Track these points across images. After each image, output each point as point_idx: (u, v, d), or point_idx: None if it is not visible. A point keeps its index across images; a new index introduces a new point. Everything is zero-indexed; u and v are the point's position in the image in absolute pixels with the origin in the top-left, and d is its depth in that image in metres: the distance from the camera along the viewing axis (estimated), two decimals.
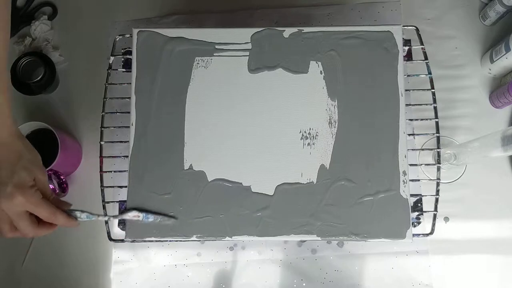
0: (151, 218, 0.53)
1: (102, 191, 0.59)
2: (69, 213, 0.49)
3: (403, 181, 0.54)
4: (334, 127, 0.55)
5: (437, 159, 0.59)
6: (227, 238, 0.54)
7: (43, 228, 0.48)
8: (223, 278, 0.68)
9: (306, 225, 0.54)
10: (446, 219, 0.68)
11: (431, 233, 0.58)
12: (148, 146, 0.55)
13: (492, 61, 0.69)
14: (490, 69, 0.71)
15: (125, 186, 0.55)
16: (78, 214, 0.50)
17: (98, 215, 0.51)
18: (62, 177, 0.67)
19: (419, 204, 0.66)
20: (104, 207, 0.58)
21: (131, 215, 0.53)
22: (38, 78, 0.69)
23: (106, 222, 0.56)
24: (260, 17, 0.76)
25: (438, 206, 0.58)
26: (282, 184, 0.54)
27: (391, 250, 0.67)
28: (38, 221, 0.48)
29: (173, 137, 0.56)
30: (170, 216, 0.54)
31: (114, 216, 0.53)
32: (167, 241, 0.55)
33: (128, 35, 0.60)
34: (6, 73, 0.48)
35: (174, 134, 0.56)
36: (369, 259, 0.67)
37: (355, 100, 0.56)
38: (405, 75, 0.57)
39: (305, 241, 0.68)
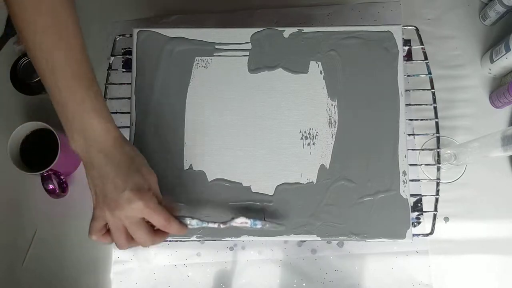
0: (259, 224, 0.51)
1: None
2: (180, 219, 0.46)
3: (403, 181, 0.54)
4: (334, 127, 0.55)
5: (437, 159, 0.59)
6: (227, 238, 0.54)
7: (158, 237, 0.45)
8: (223, 278, 0.68)
9: (306, 225, 0.54)
10: (446, 219, 0.68)
11: (431, 233, 0.58)
12: (148, 146, 0.55)
13: (492, 61, 0.69)
14: (490, 69, 0.71)
15: None
16: (188, 220, 0.47)
17: (208, 222, 0.48)
18: (62, 177, 0.67)
19: (419, 204, 0.66)
20: None
21: (238, 222, 0.50)
22: (38, 78, 0.69)
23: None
24: (260, 17, 0.76)
25: (438, 206, 0.58)
26: (282, 184, 0.54)
27: (391, 250, 0.67)
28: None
29: (173, 137, 0.56)
30: (279, 224, 0.52)
31: (223, 223, 0.49)
32: (167, 241, 0.55)
33: (128, 35, 0.60)
34: (95, 79, 0.44)
35: (174, 134, 0.56)
36: (369, 259, 0.67)
37: (355, 100, 0.56)
38: (405, 75, 0.57)
39: (305, 241, 0.68)
